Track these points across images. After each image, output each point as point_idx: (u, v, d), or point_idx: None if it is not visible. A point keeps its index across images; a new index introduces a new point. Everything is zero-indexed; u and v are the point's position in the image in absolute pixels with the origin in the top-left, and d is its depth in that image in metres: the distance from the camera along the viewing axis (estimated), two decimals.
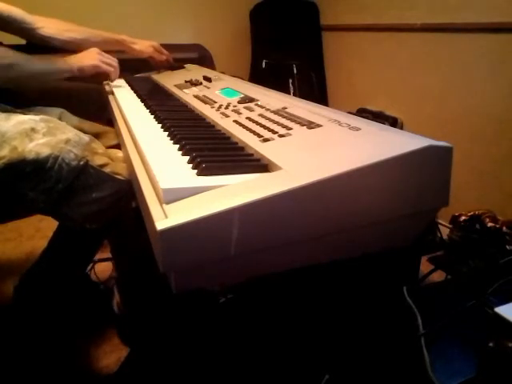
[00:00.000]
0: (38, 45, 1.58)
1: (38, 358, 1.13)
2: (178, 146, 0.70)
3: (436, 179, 0.60)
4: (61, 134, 0.87)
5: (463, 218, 1.11)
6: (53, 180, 0.84)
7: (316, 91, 2.35)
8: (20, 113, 0.96)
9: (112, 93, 1.19)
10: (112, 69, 1.16)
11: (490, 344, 0.56)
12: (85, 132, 0.95)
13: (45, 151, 0.83)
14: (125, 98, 1.11)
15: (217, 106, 0.93)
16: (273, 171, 0.58)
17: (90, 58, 1.11)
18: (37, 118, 0.90)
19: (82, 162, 0.86)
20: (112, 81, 1.23)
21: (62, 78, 1.07)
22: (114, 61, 1.18)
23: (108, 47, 1.33)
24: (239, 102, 0.93)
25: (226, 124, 0.79)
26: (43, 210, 0.89)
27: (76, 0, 1.98)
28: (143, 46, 1.39)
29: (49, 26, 1.20)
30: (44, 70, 1.04)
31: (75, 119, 1.16)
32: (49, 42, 1.20)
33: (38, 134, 0.85)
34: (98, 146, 0.94)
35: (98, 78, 1.20)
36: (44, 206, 0.86)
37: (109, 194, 0.89)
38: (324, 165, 0.55)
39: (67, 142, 0.86)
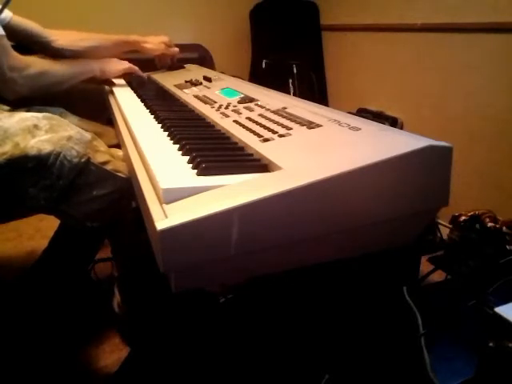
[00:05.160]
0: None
1: (38, 358, 1.13)
2: (178, 145, 0.70)
3: (436, 179, 0.60)
4: (63, 131, 0.88)
5: (463, 218, 1.11)
6: (54, 177, 0.84)
7: (316, 91, 2.35)
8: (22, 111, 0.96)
9: (112, 93, 1.19)
10: (133, 71, 1.26)
11: (490, 344, 0.56)
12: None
13: (46, 148, 0.83)
14: (125, 98, 1.11)
15: (217, 106, 0.93)
16: (273, 171, 0.58)
17: (111, 63, 1.21)
18: (39, 115, 0.90)
19: (83, 160, 0.86)
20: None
21: (85, 79, 1.13)
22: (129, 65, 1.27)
23: (120, 50, 1.34)
24: (239, 102, 0.93)
25: (226, 124, 0.79)
26: (44, 208, 0.89)
27: (75, 2, 1.98)
28: (154, 44, 1.39)
29: (62, 39, 1.21)
30: (71, 74, 1.09)
31: (75, 119, 1.16)
32: (62, 53, 1.21)
33: (40, 131, 0.85)
34: (100, 144, 0.94)
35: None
36: (45, 203, 0.86)
37: (110, 191, 0.89)
38: (324, 165, 0.55)
39: (69, 139, 0.86)
